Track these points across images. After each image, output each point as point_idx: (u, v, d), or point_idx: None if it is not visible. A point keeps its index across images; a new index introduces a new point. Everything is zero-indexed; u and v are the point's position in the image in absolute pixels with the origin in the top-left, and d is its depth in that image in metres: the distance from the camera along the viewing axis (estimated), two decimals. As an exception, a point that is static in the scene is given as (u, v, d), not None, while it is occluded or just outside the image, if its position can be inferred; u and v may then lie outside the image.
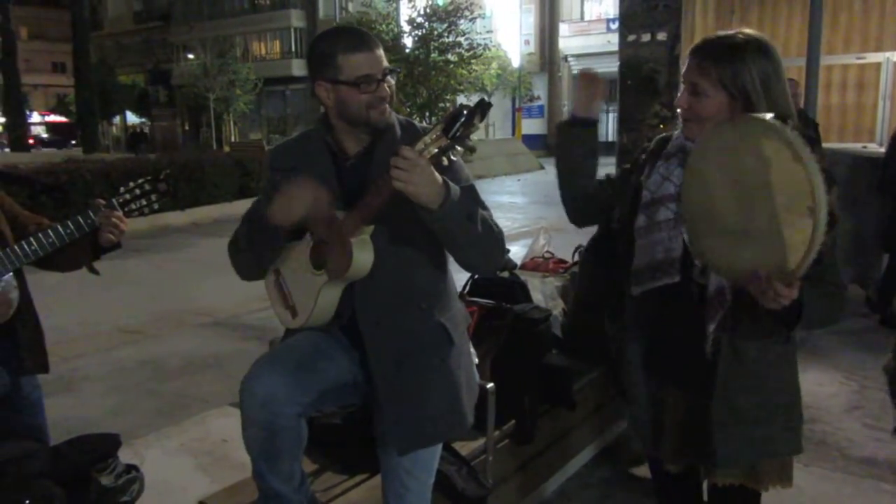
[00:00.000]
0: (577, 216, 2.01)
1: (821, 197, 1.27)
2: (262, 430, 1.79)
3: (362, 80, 1.74)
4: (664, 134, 1.84)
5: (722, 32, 1.66)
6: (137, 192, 2.00)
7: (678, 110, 1.68)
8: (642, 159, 1.84)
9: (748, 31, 1.65)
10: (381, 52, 1.78)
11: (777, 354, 1.69)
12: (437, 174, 1.58)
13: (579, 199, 1.96)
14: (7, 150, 34.45)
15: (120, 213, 1.96)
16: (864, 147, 6.31)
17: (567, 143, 1.91)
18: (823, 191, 1.28)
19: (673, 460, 1.84)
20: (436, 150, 1.54)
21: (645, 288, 1.74)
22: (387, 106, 1.81)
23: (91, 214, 1.94)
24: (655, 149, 1.82)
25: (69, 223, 1.93)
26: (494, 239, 1.76)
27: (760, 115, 1.41)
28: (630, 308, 1.84)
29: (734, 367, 1.66)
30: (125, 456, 2.17)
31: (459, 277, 2.13)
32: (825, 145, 6.16)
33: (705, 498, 1.91)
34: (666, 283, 1.70)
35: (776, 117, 1.38)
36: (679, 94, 1.68)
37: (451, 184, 1.63)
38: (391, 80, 1.82)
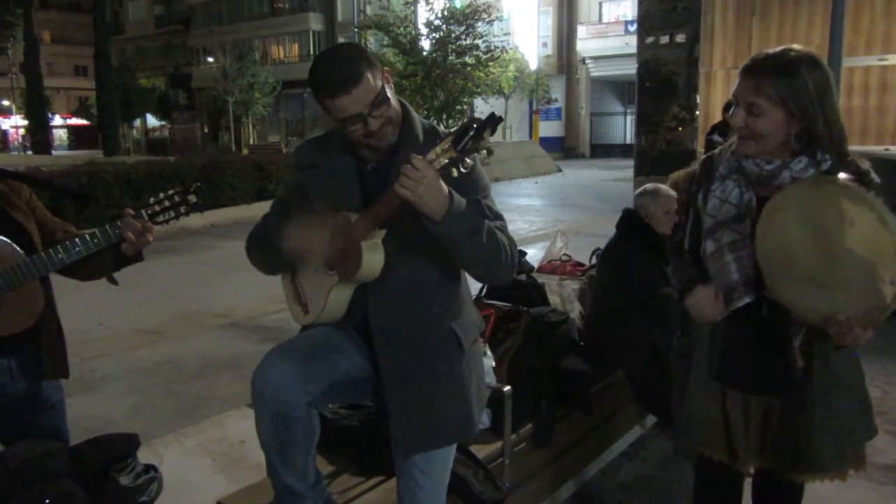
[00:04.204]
0: None
1: None
2: (273, 420, 1.81)
3: (347, 121, 1.73)
4: (706, 155, 1.88)
5: (770, 51, 1.67)
6: (167, 203, 1.97)
7: (736, 127, 1.69)
8: (694, 188, 1.88)
9: (797, 47, 1.65)
10: (362, 88, 1.70)
11: (850, 352, 1.74)
12: (443, 186, 1.59)
13: None
14: (29, 152, 34.97)
15: (150, 224, 1.94)
16: (887, 150, 6.22)
17: None
18: None
19: (748, 465, 1.88)
20: (445, 162, 1.56)
21: (727, 312, 1.77)
22: (384, 131, 1.77)
23: (118, 224, 1.92)
24: (703, 172, 1.85)
25: (96, 232, 1.92)
26: (501, 254, 1.73)
27: (841, 178, 1.52)
28: (701, 326, 1.86)
29: (827, 377, 1.71)
30: (144, 456, 2.18)
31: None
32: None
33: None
34: (745, 303, 1.73)
35: (854, 180, 1.49)
36: (732, 113, 1.69)
37: (456, 197, 1.62)
38: (389, 104, 1.76)
